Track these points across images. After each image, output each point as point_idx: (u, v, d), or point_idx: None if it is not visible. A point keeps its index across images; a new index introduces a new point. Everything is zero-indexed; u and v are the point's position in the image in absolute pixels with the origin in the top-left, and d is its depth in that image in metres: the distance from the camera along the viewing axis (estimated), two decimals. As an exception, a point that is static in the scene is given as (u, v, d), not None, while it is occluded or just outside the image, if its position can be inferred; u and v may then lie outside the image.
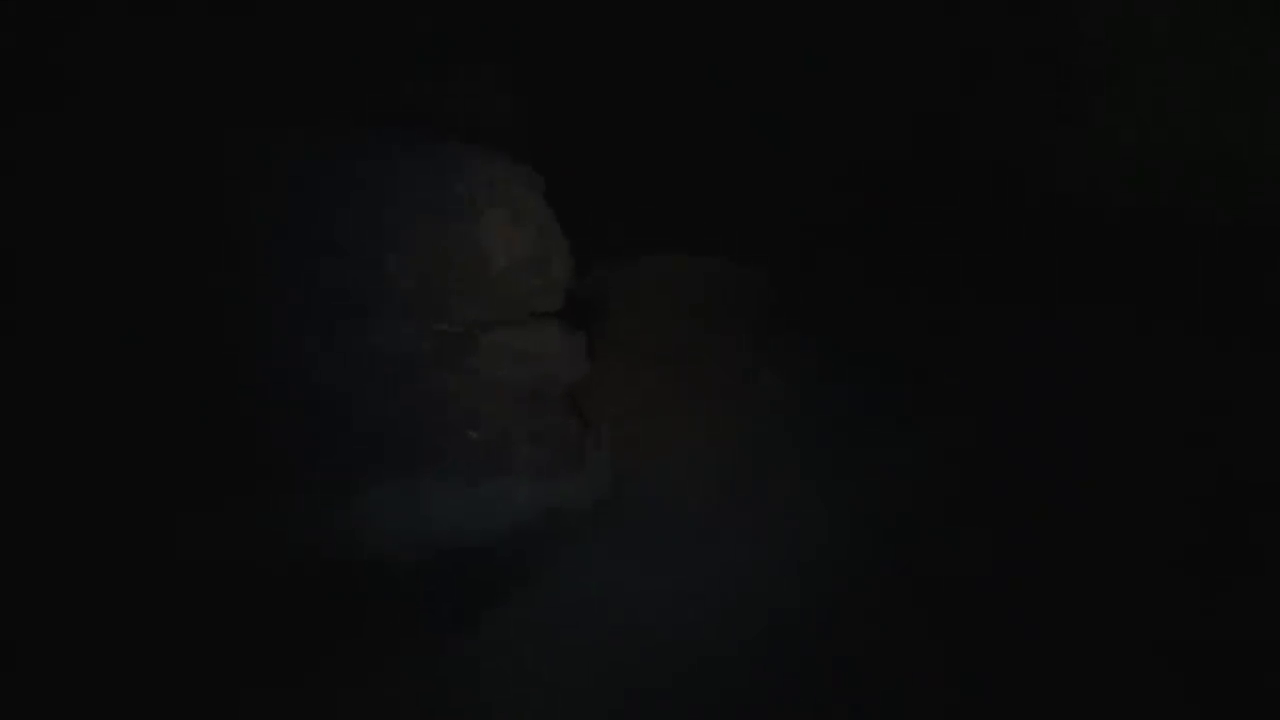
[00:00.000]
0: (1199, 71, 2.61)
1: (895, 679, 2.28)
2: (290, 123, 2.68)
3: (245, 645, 2.30)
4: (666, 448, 3.19)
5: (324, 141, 2.68)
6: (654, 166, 3.54)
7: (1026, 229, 3.00)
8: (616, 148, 3.48)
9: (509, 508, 2.82)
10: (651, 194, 3.57)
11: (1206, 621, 2.32)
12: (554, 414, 3.01)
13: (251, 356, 2.61)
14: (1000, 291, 3.03)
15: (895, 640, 2.38)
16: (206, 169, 2.58)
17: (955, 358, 3.09)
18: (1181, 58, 2.68)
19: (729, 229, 3.61)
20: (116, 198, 2.48)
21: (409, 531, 2.67)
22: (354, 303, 2.69)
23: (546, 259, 2.85)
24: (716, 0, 3.35)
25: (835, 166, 3.49)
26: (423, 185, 2.71)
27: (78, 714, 2.15)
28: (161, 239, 2.51)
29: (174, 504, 2.46)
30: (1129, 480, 2.66)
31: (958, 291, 3.20)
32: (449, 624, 2.50)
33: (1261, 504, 2.45)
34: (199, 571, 2.41)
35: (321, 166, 2.65)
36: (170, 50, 2.60)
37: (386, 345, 2.74)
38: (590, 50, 3.35)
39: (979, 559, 2.59)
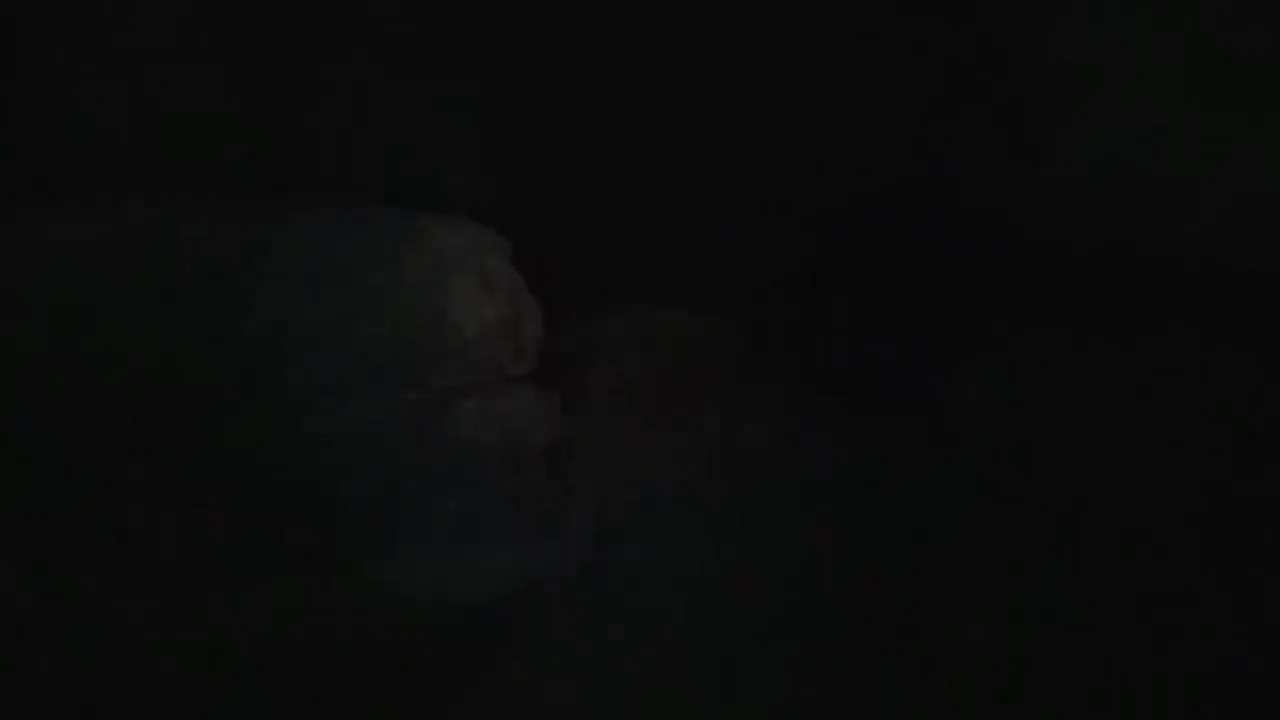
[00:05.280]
0: (1162, 101, 2.62)
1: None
2: (250, 198, 2.69)
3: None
4: (651, 504, 3.15)
5: (285, 216, 2.67)
6: (625, 218, 3.55)
7: (994, 266, 3.00)
8: (585, 200, 3.50)
9: (491, 576, 2.75)
10: (622, 246, 3.57)
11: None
12: (533, 477, 2.94)
13: (221, 438, 2.58)
14: (981, 331, 3.01)
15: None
16: (174, 254, 2.59)
17: (942, 400, 3.05)
18: (1144, 86, 2.69)
19: (703, 280, 3.61)
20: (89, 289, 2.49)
21: (388, 607, 2.60)
22: (324, 377, 2.66)
23: (517, 322, 2.83)
24: (679, 55, 3.38)
25: (803, 212, 3.50)
26: (389, 256, 2.70)
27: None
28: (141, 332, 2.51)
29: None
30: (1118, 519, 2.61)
31: (938, 334, 3.19)
32: (432, 701, 2.44)
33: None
34: (177, 653, 2.37)
35: (284, 242, 2.64)
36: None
37: (358, 418, 2.71)
38: (551, 104, 3.38)
39: (975, 608, 2.52)
